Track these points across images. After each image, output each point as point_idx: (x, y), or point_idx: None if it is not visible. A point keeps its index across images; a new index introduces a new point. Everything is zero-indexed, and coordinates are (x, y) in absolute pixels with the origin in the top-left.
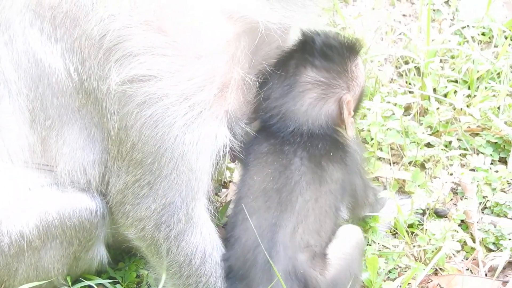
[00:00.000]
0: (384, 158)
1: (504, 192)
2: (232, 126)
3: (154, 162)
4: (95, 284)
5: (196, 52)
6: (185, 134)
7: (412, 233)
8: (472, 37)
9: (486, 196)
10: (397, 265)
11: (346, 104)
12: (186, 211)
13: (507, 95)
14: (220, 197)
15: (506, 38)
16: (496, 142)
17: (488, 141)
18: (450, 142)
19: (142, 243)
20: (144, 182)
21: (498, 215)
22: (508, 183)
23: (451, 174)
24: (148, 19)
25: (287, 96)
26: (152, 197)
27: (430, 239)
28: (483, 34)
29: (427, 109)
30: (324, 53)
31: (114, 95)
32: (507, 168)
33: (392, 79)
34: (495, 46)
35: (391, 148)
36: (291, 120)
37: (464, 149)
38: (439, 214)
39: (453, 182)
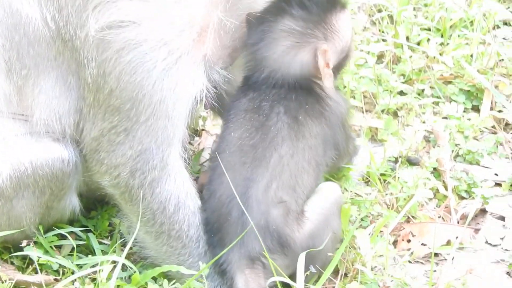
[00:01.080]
0: (357, 106)
1: (477, 140)
2: (209, 71)
3: (132, 108)
4: (67, 233)
5: None
6: (164, 79)
7: (385, 181)
8: None
9: (458, 144)
10: (370, 213)
11: (322, 54)
12: (161, 158)
13: (479, 43)
14: (193, 145)
15: None
16: (469, 90)
17: (461, 89)
18: (423, 90)
19: (116, 190)
20: (121, 129)
21: (470, 163)
22: (480, 131)
23: (424, 122)
24: None
25: (260, 42)
26: (128, 144)
27: (402, 187)
28: None
29: (400, 57)
30: (302, 2)
31: (93, 42)
32: (479, 116)
33: (365, 27)
34: None
35: (364, 96)
36: (264, 66)
37: (437, 97)
38: (411, 162)
39: (425, 130)
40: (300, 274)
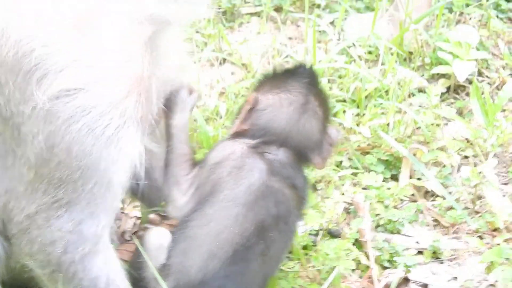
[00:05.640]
0: None
1: (397, 208)
2: (141, 136)
3: (80, 177)
4: None
5: (120, 57)
6: (111, 144)
7: (307, 254)
8: (359, 56)
9: (379, 214)
10: (292, 286)
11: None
12: (95, 231)
13: (395, 112)
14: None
15: (392, 55)
16: (387, 160)
17: (379, 159)
18: (341, 162)
19: (46, 270)
20: (65, 201)
21: (391, 232)
22: (400, 200)
23: (343, 194)
24: (68, 34)
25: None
26: (68, 216)
27: (324, 260)
28: (369, 52)
29: None
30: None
31: (38, 115)
32: (398, 184)
33: None
34: (382, 64)
35: None
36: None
37: (355, 168)
38: (332, 234)
39: (345, 201)
40: None
